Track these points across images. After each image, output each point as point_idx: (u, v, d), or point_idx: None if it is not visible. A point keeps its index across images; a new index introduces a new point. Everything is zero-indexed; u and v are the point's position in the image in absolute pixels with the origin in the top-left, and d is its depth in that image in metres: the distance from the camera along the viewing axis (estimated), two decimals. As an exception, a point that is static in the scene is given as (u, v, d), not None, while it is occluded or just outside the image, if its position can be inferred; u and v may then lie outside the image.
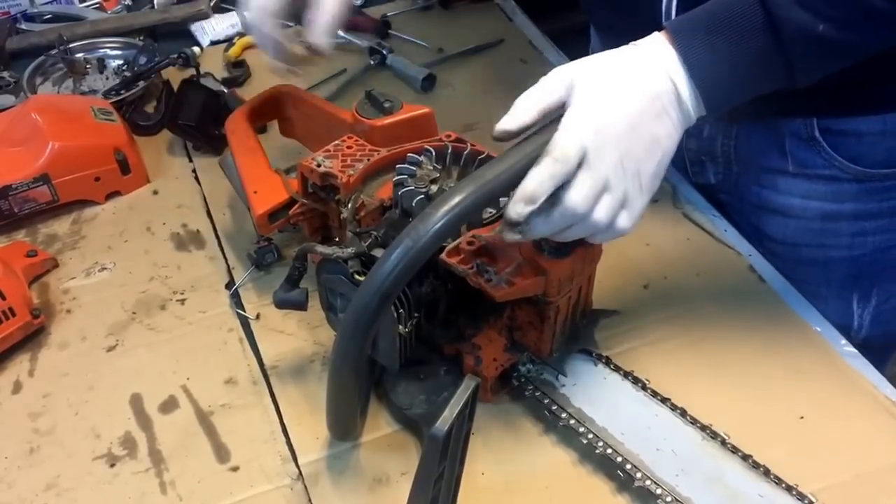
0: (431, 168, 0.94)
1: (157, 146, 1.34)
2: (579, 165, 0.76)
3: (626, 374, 0.98)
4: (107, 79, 1.43)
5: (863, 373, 1.02)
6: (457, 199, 0.74)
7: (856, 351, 1.05)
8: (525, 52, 1.52)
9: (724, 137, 1.15)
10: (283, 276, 1.10)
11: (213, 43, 1.54)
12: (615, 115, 0.77)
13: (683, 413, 0.94)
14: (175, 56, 1.43)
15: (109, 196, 1.25)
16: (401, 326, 0.89)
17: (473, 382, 0.74)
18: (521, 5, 1.65)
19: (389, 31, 1.54)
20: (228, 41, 1.54)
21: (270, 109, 1.16)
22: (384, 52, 1.47)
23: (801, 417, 0.98)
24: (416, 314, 0.92)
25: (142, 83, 1.38)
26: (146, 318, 1.09)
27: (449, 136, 1.00)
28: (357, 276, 0.86)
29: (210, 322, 1.08)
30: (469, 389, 0.73)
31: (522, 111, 0.78)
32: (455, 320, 0.98)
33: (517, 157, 0.77)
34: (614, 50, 0.81)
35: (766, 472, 0.89)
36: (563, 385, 0.97)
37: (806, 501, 0.87)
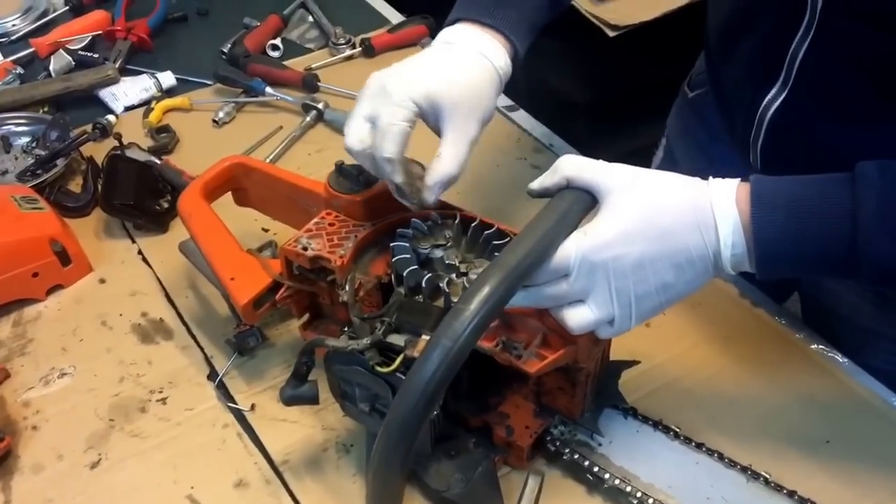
0: (443, 234, 0.93)
1: (91, 229, 1.27)
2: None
3: (657, 424, 1.00)
4: (15, 159, 1.34)
5: (870, 387, 1.08)
6: (488, 290, 0.74)
7: (858, 368, 1.11)
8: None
9: None
10: (270, 360, 1.09)
11: (128, 108, 1.48)
12: (636, 248, 0.78)
13: (721, 456, 0.97)
14: (91, 128, 1.36)
15: (51, 291, 1.17)
16: (431, 411, 0.88)
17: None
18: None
19: (319, 85, 1.51)
20: (145, 105, 1.47)
21: (224, 183, 1.11)
22: (319, 107, 1.45)
23: (827, 442, 1.02)
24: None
25: (61, 161, 1.30)
26: (127, 425, 1.02)
27: (433, 203, 0.99)
28: (378, 368, 0.84)
29: (201, 420, 1.03)
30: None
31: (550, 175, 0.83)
32: (478, 391, 0.98)
33: (537, 237, 0.78)
34: (683, 177, 0.81)
35: (814, 506, 0.93)
36: (600, 444, 0.98)
37: (859, 531, 0.91)
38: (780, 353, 1.12)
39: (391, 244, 0.92)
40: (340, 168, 0.99)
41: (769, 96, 0.99)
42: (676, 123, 1.39)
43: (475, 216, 0.94)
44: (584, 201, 0.81)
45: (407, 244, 0.91)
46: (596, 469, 0.95)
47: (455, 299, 0.85)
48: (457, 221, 0.94)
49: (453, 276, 0.89)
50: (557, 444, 0.97)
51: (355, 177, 0.98)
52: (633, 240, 0.78)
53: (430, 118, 0.91)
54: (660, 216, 0.78)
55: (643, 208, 0.79)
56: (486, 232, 0.92)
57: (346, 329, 0.89)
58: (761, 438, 1.01)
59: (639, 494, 0.93)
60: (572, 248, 0.78)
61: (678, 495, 0.93)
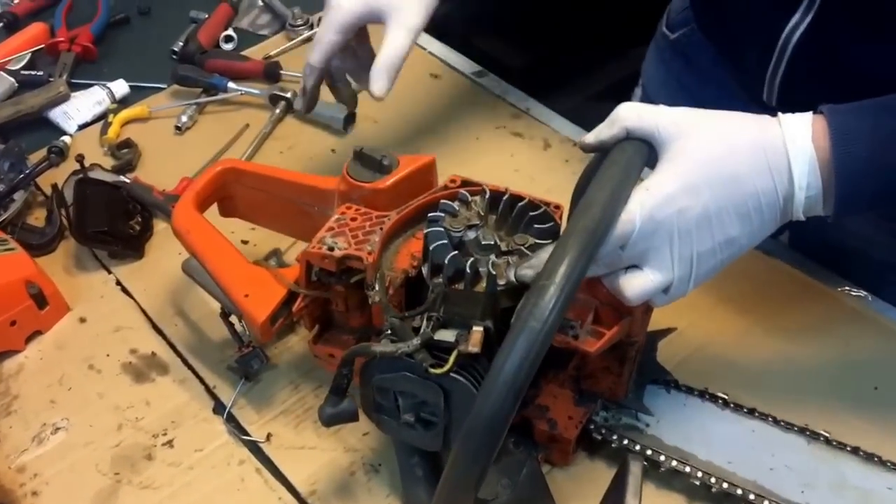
0: (474, 213, 0.83)
1: (60, 264, 1.15)
2: None
3: (703, 394, 0.92)
4: (-32, 198, 1.22)
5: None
6: (570, 261, 0.65)
7: (889, 305, 1.04)
8: (433, 66, 1.43)
9: None
10: (277, 382, 1.01)
11: (82, 126, 1.35)
12: (702, 198, 0.70)
13: (776, 420, 0.90)
14: (47, 153, 1.24)
15: (29, 339, 1.06)
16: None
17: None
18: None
19: (282, 73, 1.40)
20: (101, 120, 1.35)
21: (216, 191, 1.01)
22: (287, 97, 1.33)
23: (875, 388, 0.96)
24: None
25: (19, 195, 1.18)
26: (135, 477, 0.92)
27: (454, 181, 0.90)
28: (432, 370, 0.75)
29: (214, 460, 0.94)
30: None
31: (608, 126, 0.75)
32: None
33: (608, 196, 0.69)
34: (749, 115, 0.73)
35: (882, 461, 0.87)
36: (647, 425, 0.90)
37: (930, 482, 0.85)
38: (805, 301, 1.05)
39: (425, 231, 0.83)
40: (360, 154, 0.90)
41: (792, 23, 0.91)
42: (655, 69, 1.31)
43: (504, 189, 0.85)
44: (644, 153, 0.73)
45: (441, 229, 0.82)
46: (649, 452, 0.87)
47: (502, 281, 0.77)
48: (486, 197, 0.84)
49: (493, 256, 0.80)
50: (603, 431, 0.89)
51: (377, 162, 0.89)
52: (698, 189, 0.70)
53: (373, 18, 1.00)
54: (727, 160, 0.70)
55: (708, 153, 0.71)
56: (519, 204, 0.83)
57: (387, 332, 0.79)
58: (807, 395, 0.95)
59: (699, 475, 0.85)
60: (636, 208, 0.69)
61: (740, 471, 0.86)
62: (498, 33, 2.28)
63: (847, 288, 1.06)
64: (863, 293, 1.05)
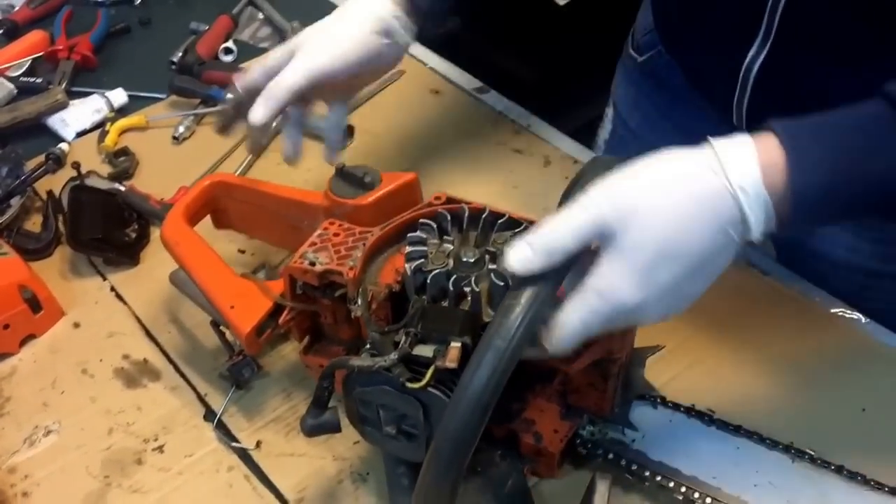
0: (439, 241, 0.86)
1: (56, 269, 1.18)
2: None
3: (690, 411, 0.94)
4: (-36, 203, 1.25)
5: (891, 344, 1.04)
6: (538, 282, 0.67)
7: (882, 328, 1.06)
8: (433, 82, 1.45)
9: None
10: (268, 390, 1.03)
11: (79, 134, 1.38)
12: (659, 280, 0.69)
13: (762, 438, 0.92)
14: (44, 159, 1.27)
15: (23, 342, 1.09)
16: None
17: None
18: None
19: (280, 86, 1.43)
20: (98, 128, 1.38)
21: (206, 204, 1.04)
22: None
23: (863, 410, 0.98)
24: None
25: (16, 200, 1.21)
26: (124, 480, 0.95)
27: (439, 198, 0.93)
28: (409, 384, 0.77)
29: (203, 466, 0.96)
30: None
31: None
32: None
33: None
34: (698, 172, 0.70)
35: (865, 480, 0.88)
36: (633, 440, 0.92)
37: (914, 503, 0.87)
38: (796, 322, 1.07)
39: (407, 250, 0.85)
40: (342, 171, 0.93)
41: (751, 54, 0.94)
42: (626, 90, 1.32)
43: (483, 206, 0.87)
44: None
45: (424, 248, 0.85)
46: (635, 467, 0.89)
47: (484, 299, 0.80)
48: (466, 215, 0.87)
49: (476, 274, 0.82)
50: (589, 445, 0.91)
51: (359, 179, 0.91)
52: (654, 274, 0.69)
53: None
54: (678, 239, 0.69)
55: (657, 238, 0.69)
56: (499, 222, 0.85)
57: (367, 346, 0.81)
58: (794, 414, 0.97)
59: (683, 489, 0.87)
60: (590, 319, 0.69)
61: (725, 486, 0.88)
62: (508, 49, 2.32)
63: (840, 310, 1.08)
64: (856, 315, 1.07)
